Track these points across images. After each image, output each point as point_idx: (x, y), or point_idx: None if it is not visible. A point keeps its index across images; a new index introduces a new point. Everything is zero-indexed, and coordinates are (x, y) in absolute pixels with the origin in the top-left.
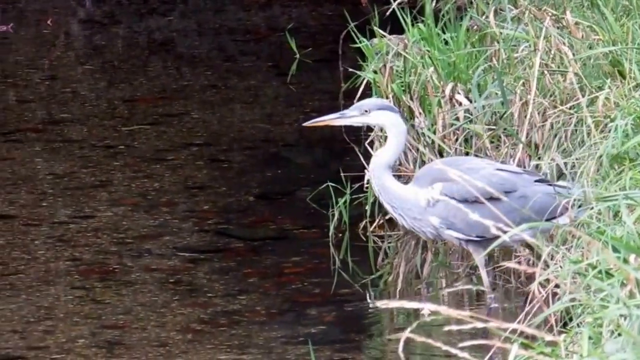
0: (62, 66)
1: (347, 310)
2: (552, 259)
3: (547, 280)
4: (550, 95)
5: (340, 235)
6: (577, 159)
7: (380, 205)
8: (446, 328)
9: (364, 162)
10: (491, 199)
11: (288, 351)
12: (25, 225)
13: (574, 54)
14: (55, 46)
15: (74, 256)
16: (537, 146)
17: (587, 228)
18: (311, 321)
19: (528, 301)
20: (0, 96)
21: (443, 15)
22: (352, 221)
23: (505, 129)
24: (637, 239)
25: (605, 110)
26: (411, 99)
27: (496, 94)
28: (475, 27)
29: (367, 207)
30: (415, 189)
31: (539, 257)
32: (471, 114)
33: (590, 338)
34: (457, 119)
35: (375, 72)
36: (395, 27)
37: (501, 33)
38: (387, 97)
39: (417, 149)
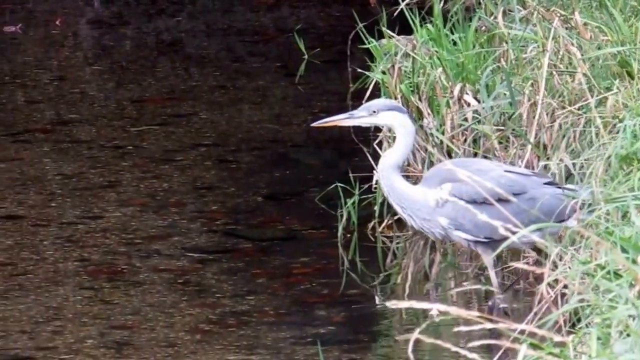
0: (70, 67)
1: (355, 310)
2: (560, 260)
3: (556, 281)
4: (559, 96)
5: (349, 235)
6: (585, 160)
7: (389, 206)
8: (455, 329)
9: (372, 162)
10: (500, 200)
11: (297, 352)
12: (34, 225)
13: (582, 55)
14: (63, 47)
15: (82, 256)
16: (545, 147)
17: (595, 228)
18: (320, 322)
19: (536, 302)
20: (9, 97)
21: (451, 16)
22: (361, 222)
23: (513, 129)
24: None
25: (614, 111)
26: (420, 99)
27: (505, 94)
28: (484, 27)
29: (376, 208)
30: (424, 190)
31: (547, 257)
32: (479, 115)
33: (599, 339)
34: (466, 119)
35: (383, 72)
36: (403, 27)
37: (510, 34)
38: (395, 98)
39: (426, 150)
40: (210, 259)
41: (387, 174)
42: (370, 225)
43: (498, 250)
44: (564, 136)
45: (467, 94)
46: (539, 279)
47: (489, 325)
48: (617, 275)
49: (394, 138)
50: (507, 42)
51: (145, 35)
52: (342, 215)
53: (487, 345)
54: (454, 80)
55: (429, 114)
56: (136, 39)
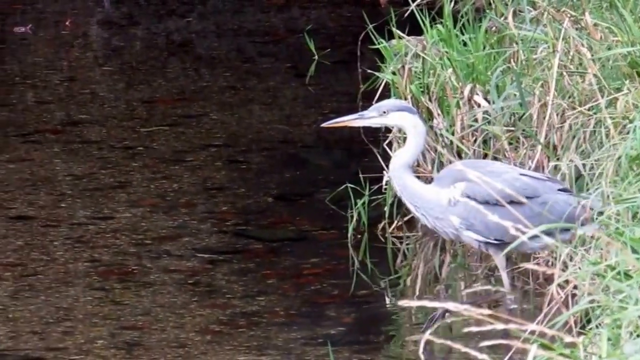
0: (80, 67)
1: (366, 311)
2: (570, 260)
3: (566, 282)
4: (569, 97)
5: (359, 236)
6: (595, 161)
7: (399, 207)
8: (466, 329)
9: (382, 163)
10: (512, 202)
11: (307, 352)
12: (44, 226)
13: (592, 55)
14: (73, 47)
15: (92, 257)
16: (555, 147)
17: (606, 229)
18: (330, 322)
19: (547, 302)
20: (19, 97)
21: (462, 17)
22: (371, 222)
23: (524, 130)
24: None
25: (624, 112)
26: (430, 100)
27: (515, 95)
28: (494, 28)
29: (386, 209)
30: (437, 189)
31: (557, 258)
32: (490, 116)
33: (609, 339)
34: (476, 120)
35: (393, 73)
36: (413, 28)
37: (520, 34)
38: (405, 99)
39: (436, 150)
40: (221, 259)
41: (398, 173)
42: (381, 226)
43: (507, 250)
44: (574, 137)
45: (477, 94)
46: (549, 279)
47: (499, 326)
48: (628, 276)
49: (404, 139)
50: (517, 43)
51: (155, 36)
52: (352, 216)
53: (498, 345)
54: (464, 80)
55: (439, 114)
56: (146, 40)
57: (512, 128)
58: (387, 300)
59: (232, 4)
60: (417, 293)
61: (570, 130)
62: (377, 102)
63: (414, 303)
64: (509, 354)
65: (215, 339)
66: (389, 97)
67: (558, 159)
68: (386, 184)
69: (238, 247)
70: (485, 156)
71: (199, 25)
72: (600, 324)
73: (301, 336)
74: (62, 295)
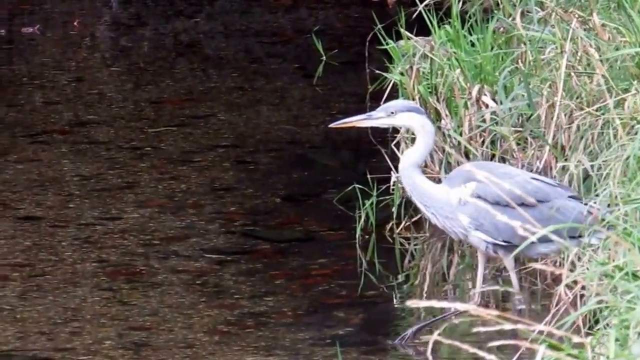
0: (88, 68)
1: (374, 312)
2: (579, 261)
3: (574, 282)
4: (577, 97)
5: (367, 237)
6: (603, 161)
7: (407, 207)
8: (474, 330)
9: (390, 163)
10: (522, 205)
11: (315, 353)
12: (52, 226)
13: (600, 56)
14: (81, 48)
15: (100, 258)
16: (563, 148)
17: (614, 229)
18: (338, 323)
19: (555, 303)
20: (27, 98)
21: (469, 17)
22: (379, 223)
23: (531, 130)
24: None
25: (632, 112)
26: (438, 100)
27: (523, 95)
28: (502, 29)
29: (394, 209)
30: (447, 188)
31: (565, 259)
32: (497, 116)
33: (617, 340)
34: (484, 120)
35: (401, 73)
36: (421, 28)
37: (528, 35)
38: (413, 99)
39: (443, 151)
40: (229, 260)
41: (408, 172)
42: (388, 226)
43: (516, 252)
44: (582, 137)
45: (485, 95)
46: (557, 280)
47: (507, 326)
48: (636, 276)
49: (412, 139)
50: (525, 44)
51: (163, 37)
52: (360, 217)
53: (506, 346)
54: (472, 81)
55: (447, 115)
56: (154, 40)
57: (520, 129)
58: (395, 301)
59: (240, 5)
60: (425, 293)
61: (578, 131)
62: (385, 102)
63: (422, 303)
64: (517, 355)
65: (223, 339)
66: (396, 97)
67: (566, 160)
68: (394, 185)
69: (246, 248)
70: (492, 157)
71: (207, 26)
72: (608, 325)
73: (309, 337)
74: (70, 296)
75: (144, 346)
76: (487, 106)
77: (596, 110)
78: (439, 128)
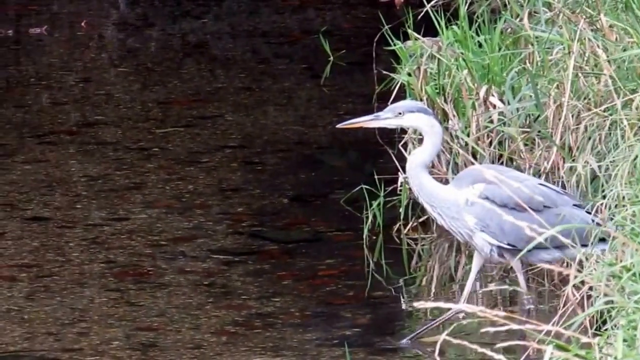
0: (96, 68)
1: (381, 312)
2: (586, 261)
3: (582, 283)
4: (585, 98)
5: (374, 237)
6: (611, 162)
7: (414, 208)
8: (481, 330)
9: (397, 164)
10: (530, 209)
11: (322, 353)
12: (59, 227)
13: (608, 57)
14: (89, 49)
15: (108, 258)
16: (571, 149)
17: (621, 230)
18: (345, 323)
19: (562, 303)
20: (35, 98)
21: (477, 18)
22: (386, 223)
23: (539, 131)
24: None
25: None
26: (445, 101)
27: (530, 96)
28: (510, 29)
29: (401, 210)
30: (455, 189)
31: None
32: (505, 117)
33: (624, 340)
34: (491, 121)
35: (409, 74)
36: (429, 29)
37: (535, 35)
38: (421, 100)
39: (451, 151)
40: (236, 260)
41: (415, 172)
42: (396, 227)
43: (523, 252)
44: (589, 138)
45: (492, 95)
46: (564, 280)
47: (515, 326)
48: None
49: (420, 140)
50: (532, 44)
51: (170, 37)
52: (367, 217)
53: (513, 346)
54: (479, 82)
55: (454, 115)
56: (162, 41)
57: (528, 129)
58: (403, 302)
59: (248, 5)
60: (433, 294)
61: (585, 132)
62: (392, 103)
63: (430, 304)
64: (525, 355)
65: (230, 340)
66: (404, 98)
67: (573, 161)
68: (401, 185)
69: (253, 248)
70: (500, 157)
71: (214, 27)
72: (615, 325)
73: (316, 337)
74: (77, 297)
75: (151, 347)
76: (494, 107)
77: (604, 111)
78: (446, 129)
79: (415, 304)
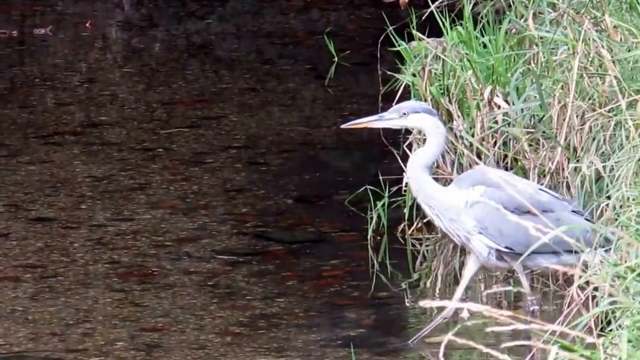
0: (100, 69)
1: (386, 313)
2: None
3: (587, 283)
4: (589, 99)
5: (379, 238)
6: (616, 162)
7: (419, 208)
8: (486, 330)
9: (402, 164)
10: (528, 213)
11: (327, 354)
12: (64, 227)
13: (612, 57)
14: (93, 49)
15: (112, 259)
16: (575, 149)
17: (626, 230)
18: (350, 324)
19: (567, 304)
20: (39, 99)
21: (482, 18)
22: (391, 224)
23: (544, 132)
24: None
25: None
26: (450, 102)
27: (535, 97)
28: (514, 30)
29: (406, 210)
30: (455, 191)
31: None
32: (510, 117)
33: (629, 341)
34: (496, 122)
35: (413, 75)
36: (433, 30)
37: (540, 36)
38: (425, 100)
39: (455, 152)
40: (240, 261)
41: (416, 173)
42: (400, 227)
43: (526, 254)
44: (594, 138)
45: (497, 96)
46: (569, 281)
47: (521, 326)
48: None
49: (424, 140)
50: (537, 45)
51: (175, 38)
52: (371, 218)
53: (518, 347)
54: (484, 82)
55: (459, 116)
56: (166, 42)
57: (532, 130)
58: (407, 302)
59: (252, 6)
60: (438, 294)
61: (590, 132)
62: (397, 103)
63: (435, 304)
64: (530, 355)
65: (235, 340)
66: (408, 99)
67: (578, 161)
68: (406, 186)
69: (258, 249)
70: (505, 157)
71: (219, 27)
72: (620, 326)
73: (321, 338)
74: (81, 297)
75: (155, 347)
76: (499, 107)
77: (608, 112)
78: (451, 129)
79: (421, 304)
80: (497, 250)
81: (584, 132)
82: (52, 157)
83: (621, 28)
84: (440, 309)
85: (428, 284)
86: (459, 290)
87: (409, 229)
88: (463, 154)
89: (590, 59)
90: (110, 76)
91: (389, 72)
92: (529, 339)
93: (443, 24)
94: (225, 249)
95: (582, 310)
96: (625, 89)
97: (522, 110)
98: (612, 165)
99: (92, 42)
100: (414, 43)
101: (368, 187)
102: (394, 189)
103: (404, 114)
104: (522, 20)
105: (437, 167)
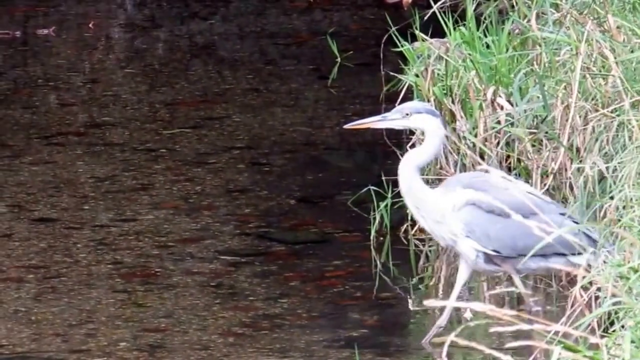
0: (103, 70)
1: (389, 313)
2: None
3: (590, 283)
4: (592, 99)
5: (382, 238)
6: (619, 163)
7: None
8: (489, 331)
9: None
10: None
11: (330, 355)
12: (66, 228)
13: (615, 57)
14: (96, 50)
15: (115, 259)
16: (578, 150)
17: (629, 231)
18: (353, 325)
19: (570, 304)
20: (42, 99)
21: (484, 19)
22: (393, 225)
23: (546, 132)
24: None
25: None
26: (453, 102)
27: (538, 97)
28: (517, 30)
29: (408, 211)
30: (443, 194)
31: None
32: (513, 118)
33: (632, 341)
34: (499, 122)
35: (416, 75)
36: (436, 30)
37: (543, 36)
38: (428, 101)
39: (458, 152)
40: (243, 261)
41: (407, 173)
42: (403, 228)
43: (524, 260)
44: (597, 139)
45: (500, 97)
46: (572, 281)
47: (524, 326)
48: None
49: None
50: (540, 45)
51: (178, 38)
52: (374, 218)
53: (521, 347)
54: (487, 83)
55: (462, 116)
56: (169, 42)
57: (535, 130)
58: (410, 303)
59: (255, 7)
60: (440, 295)
61: (593, 133)
62: (400, 104)
63: (438, 304)
64: (533, 356)
65: (237, 341)
66: (411, 99)
67: (581, 161)
68: None
69: (260, 250)
70: (507, 158)
71: (222, 28)
72: (623, 326)
73: (324, 339)
74: (84, 298)
75: (158, 348)
76: (502, 108)
77: (611, 112)
78: (453, 130)
79: (425, 302)
80: (485, 254)
81: (586, 133)
82: (55, 158)
83: (624, 28)
84: (443, 310)
85: (431, 284)
86: (452, 297)
87: (412, 229)
88: (466, 154)
89: (593, 60)
90: (113, 77)
91: (392, 73)
92: (531, 339)
93: (446, 24)
94: (228, 249)
95: (585, 311)
96: (628, 89)
97: (524, 110)
98: (615, 166)
99: (95, 42)
100: (417, 44)
101: (371, 187)
102: (397, 189)
103: (407, 114)
104: (525, 20)
105: (441, 167)
